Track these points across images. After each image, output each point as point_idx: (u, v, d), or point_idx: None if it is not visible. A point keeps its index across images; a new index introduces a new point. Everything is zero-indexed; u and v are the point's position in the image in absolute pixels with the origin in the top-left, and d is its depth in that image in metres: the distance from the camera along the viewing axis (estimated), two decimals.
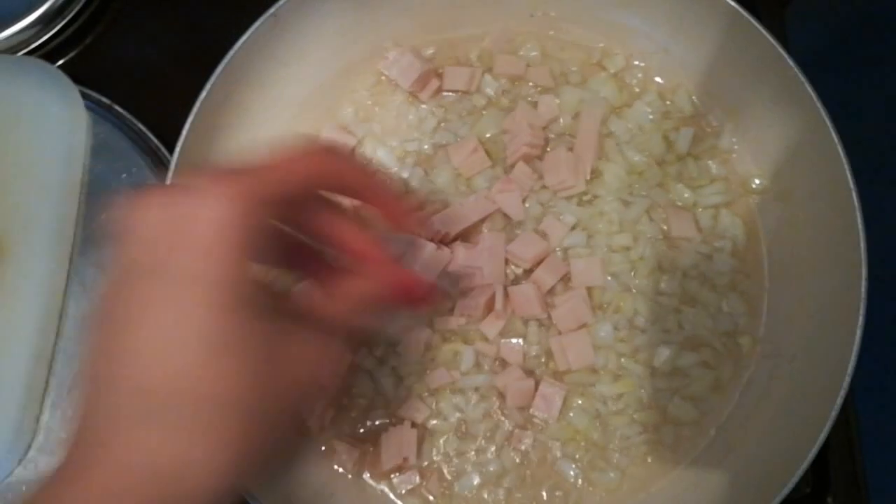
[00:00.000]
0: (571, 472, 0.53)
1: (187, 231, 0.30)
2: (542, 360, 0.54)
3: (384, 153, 0.58)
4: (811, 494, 0.57)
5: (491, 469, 0.53)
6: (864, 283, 0.48)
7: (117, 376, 0.30)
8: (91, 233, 0.59)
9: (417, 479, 0.53)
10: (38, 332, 0.56)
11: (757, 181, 0.57)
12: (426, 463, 0.54)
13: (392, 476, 0.53)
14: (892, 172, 0.70)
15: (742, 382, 0.55)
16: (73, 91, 0.60)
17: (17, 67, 0.61)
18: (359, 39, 0.59)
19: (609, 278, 0.55)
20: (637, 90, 0.59)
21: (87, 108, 0.60)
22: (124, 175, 0.60)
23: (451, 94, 0.59)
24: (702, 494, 0.53)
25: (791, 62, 0.51)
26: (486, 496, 0.53)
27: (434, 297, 0.43)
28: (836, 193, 0.50)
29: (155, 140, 0.62)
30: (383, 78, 0.60)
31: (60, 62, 0.66)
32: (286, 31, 0.55)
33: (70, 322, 0.58)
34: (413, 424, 0.53)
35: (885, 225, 0.52)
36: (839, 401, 0.47)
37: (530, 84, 0.59)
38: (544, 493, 0.53)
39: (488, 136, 0.58)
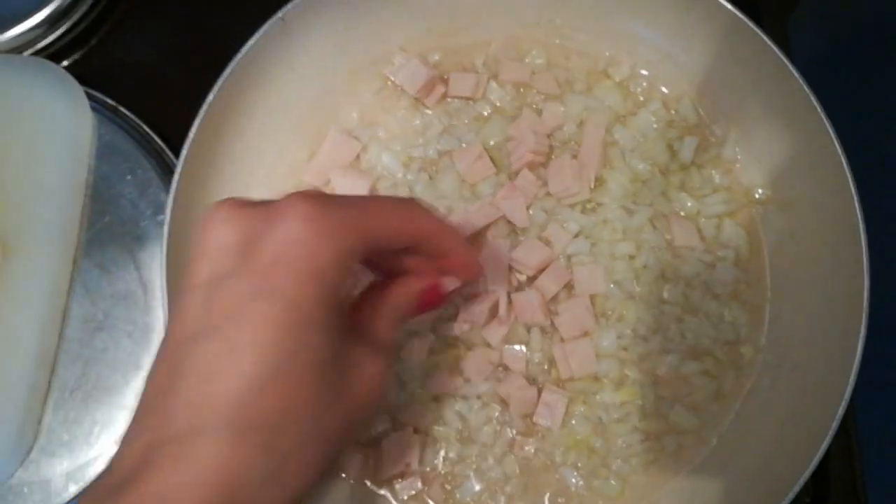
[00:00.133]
0: (573, 480, 0.53)
1: (287, 249, 0.30)
2: (545, 367, 0.54)
3: (389, 158, 0.58)
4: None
5: (493, 476, 0.53)
6: (866, 294, 0.49)
7: (177, 388, 0.30)
8: (95, 234, 0.59)
9: (420, 485, 0.53)
10: (41, 333, 0.55)
11: (760, 191, 0.58)
12: (428, 469, 0.54)
13: (394, 482, 0.53)
14: None
15: (744, 392, 0.55)
16: (78, 92, 0.60)
17: (22, 67, 0.61)
18: (365, 44, 0.59)
19: (612, 286, 0.55)
20: (642, 99, 0.60)
21: (93, 109, 0.60)
22: (129, 177, 0.60)
23: (456, 100, 0.60)
24: (703, 503, 0.53)
25: (795, 73, 0.52)
26: (487, 503, 0.53)
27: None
28: (840, 204, 0.51)
29: (160, 142, 0.62)
30: (389, 83, 0.60)
31: (66, 63, 0.66)
32: (293, 35, 0.55)
33: (73, 324, 0.58)
34: (415, 430, 0.53)
35: (889, 236, 0.52)
36: (841, 411, 0.47)
37: (535, 91, 0.59)
38: (546, 501, 0.53)
39: (493, 142, 0.58)
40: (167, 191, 0.52)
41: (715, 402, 0.55)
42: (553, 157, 0.58)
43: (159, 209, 0.59)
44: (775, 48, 0.52)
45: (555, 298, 0.55)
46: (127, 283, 0.58)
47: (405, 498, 0.53)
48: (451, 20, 0.60)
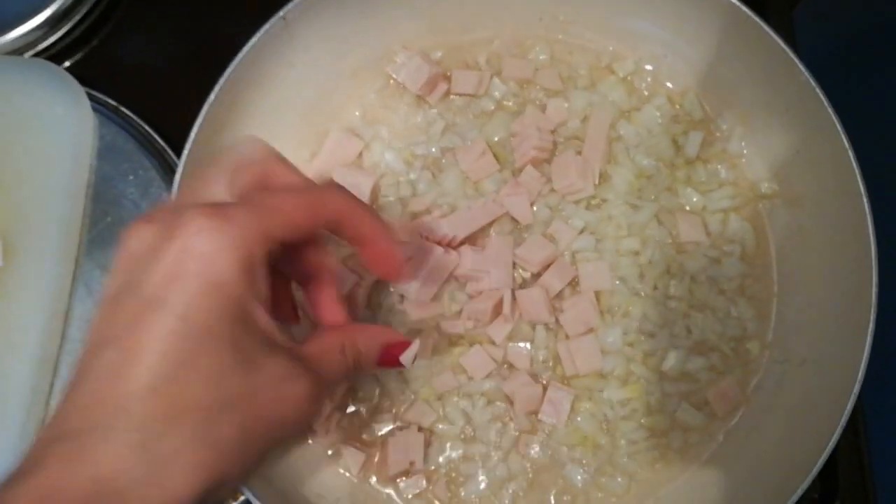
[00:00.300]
0: (579, 478, 0.53)
1: (182, 263, 0.32)
2: (550, 364, 0.54)
3: (392, 156, 0.58)
4: (819, 500, 0.57)
5: (498, 474, 0.53)
6: (874, 289, 0.48)
7: (77, 390, 0.31)
8: (97, 235, 0.59)
9: (424, 483, 0.53)
10: (43, 333, 0.55)
11: (766, 185, 0.57)
12: (433, 467, 0.53)
13: (398, 480, 0.53)
14: None
15: (750, 387, 0.55)
16: (79, 92, 0.59)
17: (24, 69, 0.61)
18: (367, 42, 0.59)
19: (617, 282, 0.55)
20: (646, 94, 0.59)
21: (94, 109, 0.60)
22: (131, 177, 0.60)
23: (459, 97, 0.59)
24: (710, 500, 0.53)
25: (801, 66, 0.51)
26: (492, 501, 0.53)
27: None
28: (847, 198, 0.50)
29: (161, 142, 0.61)
30: (391, 81, 0.60)
31: (67, 64, 0.65)
32: (295, 34, 0.55)
33: (75, 324, 0.57)
34: (420, 429, 0.53)
35: None
36: (849, 407, 0.47)
37: (539, 87, 0.59)
38: (552, 499, 0.53)
39: (496, 139, 0.58)
40: (169, 191, 0.52)
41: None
42: (557, 153, 0.57)
43: None
44: (781, 41, 0.52)
45: (559, 295, 0.54)
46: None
47: (409, 496, 0.53)
48: (453, 17, 0.59)
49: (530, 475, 0.53)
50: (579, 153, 0.57)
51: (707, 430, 0.54)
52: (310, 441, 0.54)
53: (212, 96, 0.52)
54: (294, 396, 0.34)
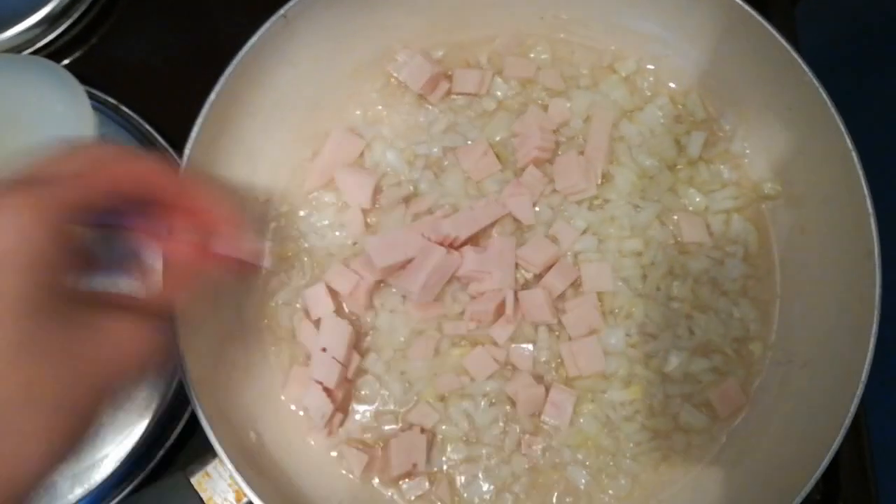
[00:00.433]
0: (582, 479, 0.53)
1: None
2: (552, 365, 0.54)
3: (393, 156, 0.58)
4: (821, 502, 0.57)
5: (500, 475, 0.53)
6: (877, 291, 0.48)
7: None
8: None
9: (427, 485, 0.53)
10: None
11: (769, 186, 0.57)
12: (435, 469, 0.53)
13: (401, 482, 0.53)
14: None
15: (753, 389, 0.55)
16: (79, 91, 0.59)
17: (23, 66, 0.61)
18: (368, 41, 0.59)
19: (620, 283, 0.54)
20: (648, 94, 0.59)
21: (94, 108, 0.60)
22: None
23: (460, 96, 0.59)
24: (712, 502, 0.53)
25: (804, 65, 0.51)
26: (495, 503, 0.53)
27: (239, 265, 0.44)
28: (850, 199, 0.50)
29: (161, 140, 0.61)
30: (392, 80, 0.59)
31: (66, 61, 0.65)
32: (296, 32, 0.54)
33: None
34: (422, 430, 0.53)
35: None
36: (853, 408, 0.47)
37: (541, 87, 0.59)
38: (554, 500, 0.53)
39: (498, 139, 0.58)
40: None
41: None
42: (559, 153, 0.57)
43: None
44: (783, 40, 0.51)
45: (562, 296, 0.54)
46: (129, 283, 0.58)
47: (412, 498, 0.53)
48: (454, 15, 0.59)
49: (533, 477, 0.53)
50: (581, 153, 0.56)
51: (709, 432, 0.54)
52: (311, 442, 0.54)
53: (213, 95, 0.51)
54: (134, 340, 0.37)
